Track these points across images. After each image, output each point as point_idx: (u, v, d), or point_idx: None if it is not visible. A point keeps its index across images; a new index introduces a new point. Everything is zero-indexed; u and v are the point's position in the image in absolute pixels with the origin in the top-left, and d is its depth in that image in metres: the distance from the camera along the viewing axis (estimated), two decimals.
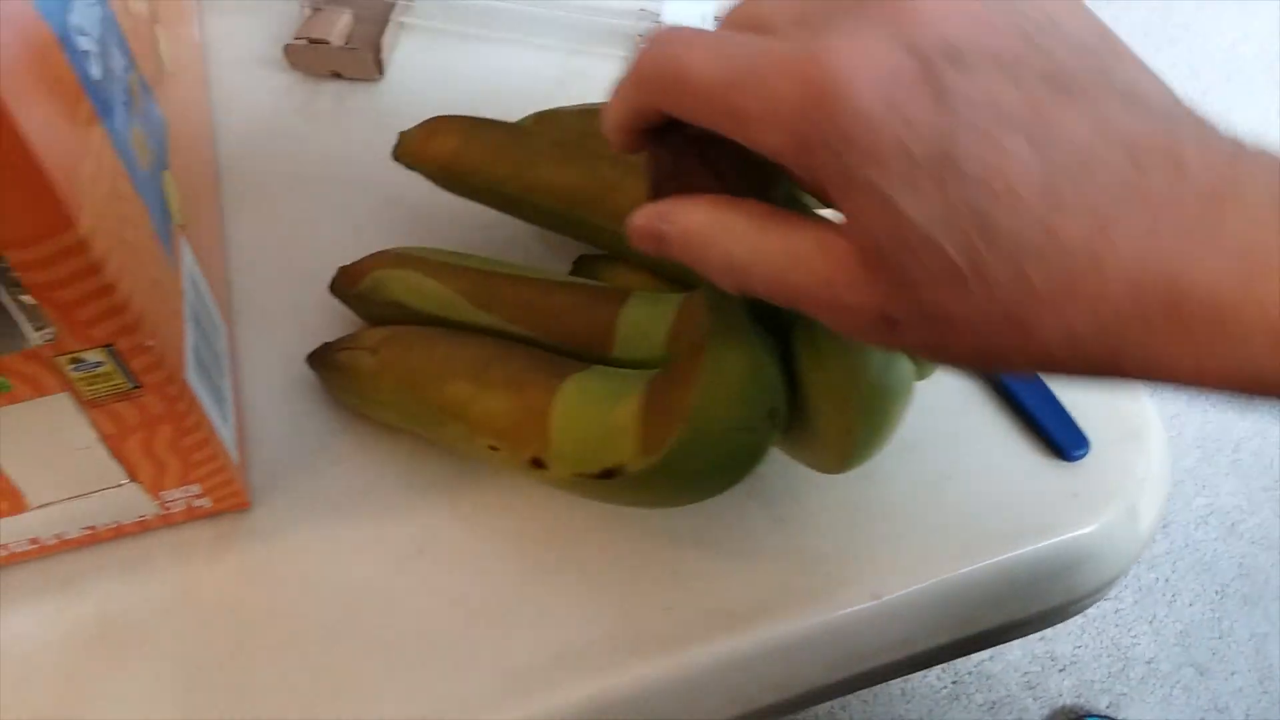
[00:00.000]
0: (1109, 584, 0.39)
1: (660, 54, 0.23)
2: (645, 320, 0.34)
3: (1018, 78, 0.19)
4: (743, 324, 0.30)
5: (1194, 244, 0.18)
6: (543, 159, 0.38)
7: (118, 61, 0.32)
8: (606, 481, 0.31)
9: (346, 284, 0.39)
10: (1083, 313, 0.19)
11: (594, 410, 0.32)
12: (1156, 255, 0.18)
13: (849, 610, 0.35)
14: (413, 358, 0.35)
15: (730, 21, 0.25)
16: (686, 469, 0.30)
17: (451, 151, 0.40)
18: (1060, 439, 0.39)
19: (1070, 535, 0.37)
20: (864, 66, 0.19)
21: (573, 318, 0.35)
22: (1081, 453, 0.39)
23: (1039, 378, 0.40)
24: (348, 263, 0.40)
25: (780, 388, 0.30)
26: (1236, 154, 0.19)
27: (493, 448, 0.33)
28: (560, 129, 0.41)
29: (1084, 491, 0.38)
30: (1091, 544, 0.38)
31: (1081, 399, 0.40)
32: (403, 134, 0.41)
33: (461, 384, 0.34)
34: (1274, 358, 0.17)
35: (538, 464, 0.32)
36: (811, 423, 0.31)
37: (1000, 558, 0.37)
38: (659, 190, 0.27)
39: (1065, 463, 0.39)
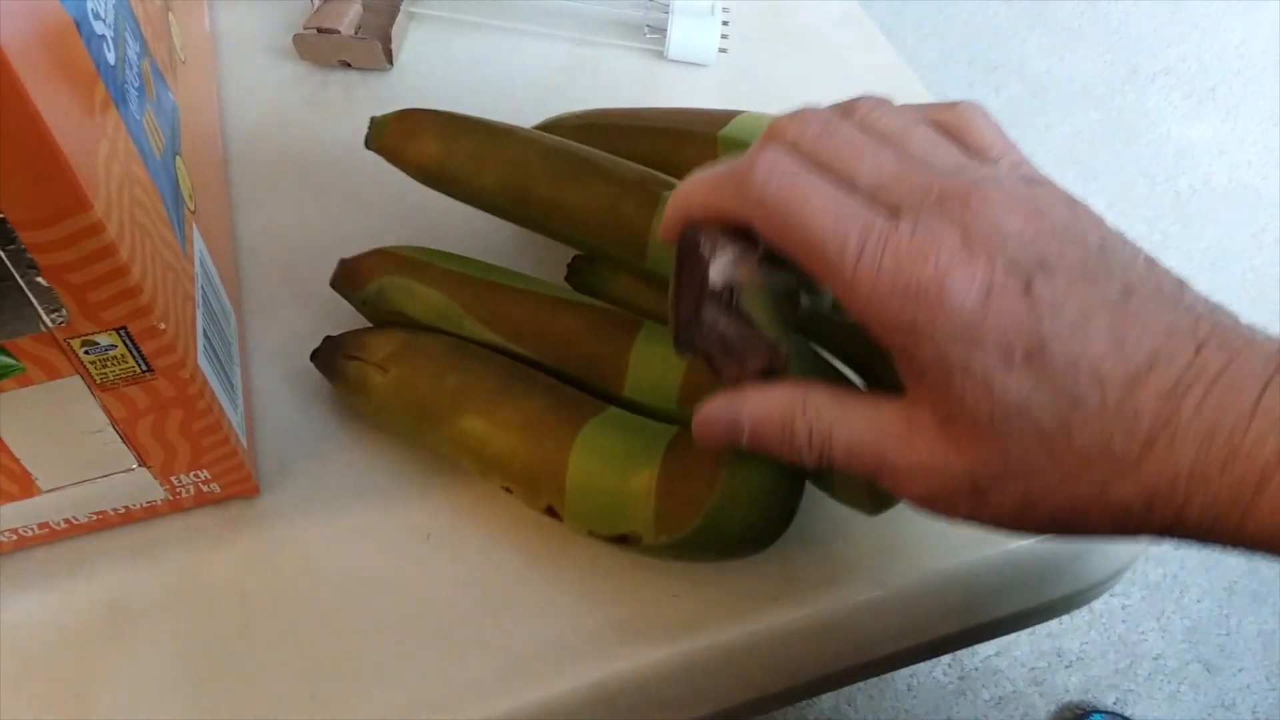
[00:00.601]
0: (1116, 574, 0.39)
1: (783, 188, 0.25)
2: (658, 361, 0.34)
3: (1093, 284, 0.23)
4: None
5: (1245, 412, 0.21)
6: (533, 171, 0.37)
7: (131, 47, 0.32)
8: (622, 543, 0.32)
9: (348, 285, 0.39)
10: (1157, 471, 0.22)
11: (611, 473, 0.32)
12: (1214, 420, 0.21)
13: (855, 599, 0.35)
14: (422, 384, 0.35)
15: (825, 161, 0.26)
16: (703, 551, 0.32)
17: (433, 158, 0.38)
18: None
19: None
20: (969, 271, 0.23)
21: (582, 345, 0.35)
22: None
23: None
24: (350, 255, 0.40)
25: (800, 492, 0.31)
26: (1273, 345, 0.23)
27: (507, 489, 0.34)
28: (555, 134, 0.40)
29: None
30: None
31: None
32: (375, 120, 0.40)
33: (474, 420, 0.34)
34: None
35: (552, 513, 0.33)
36: (846, 479, 0.32)
37: (1007, 547, 0.37)
38: (717, 365, 0.28)
39: None
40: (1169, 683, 1.04)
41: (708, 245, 0.27)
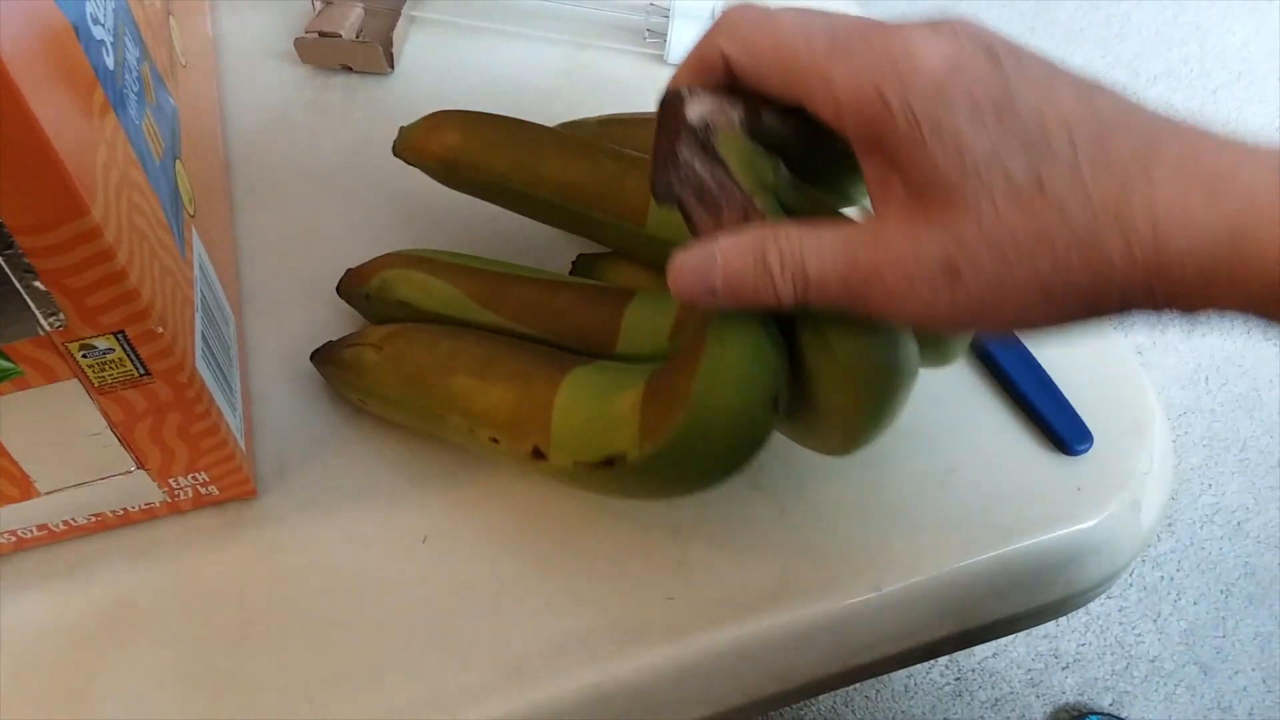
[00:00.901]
0: (1111, 579, 0.40)
1: (752, 14, 0.27)
2: (650, 316, 0.34)
3: (1057, 71, 0.24)
4: (745, 311, 0.30)
5: (1223, 157, 0.22)
6: (545, 152, 0.38)
7: (131, 52, 0.32)
8: (607, 471, 0.31)
9: (354, 284, 0.39)
10: (1139, 214, 0.22)
11: (596, 401, 0.32)
12: (1194, 164, 0.22)
13: (850, 602, 0.35)
14: (417, 352, 0.36)
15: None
16: (687, 456, 0.30)
17: (452, 146, 0.39)
18: (1063, 432, 0.39)
19: (1072, 529, 0.38)
20: (928, 46, 0.24)
21: (577, 316, 0.35)
22: (1085, 447, 0.39)
23: (1042, 370, 0.41)
24: (355, 261, 0.40)
25: (783, 372, 0.30)
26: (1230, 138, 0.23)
27: (494, 440, 0.34)
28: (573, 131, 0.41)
29: (1087, 485, 0.39)
30: (1094, 538, 0.38)
31: (1085, 392, 0.40)
32: (403, 129, 0.41)
33: (464, 378, 0.34)
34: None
35: (538, 454, 0.33)
36: (817, 406, 0.31)
37: (1002, 551, 0.37)
38: (693, 215, 0.28)
39: (1068, 456, 0.39)
40: (1165, 685, 1.04)
41: (687, 91, 0.28)
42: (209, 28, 0.51)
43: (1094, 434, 0.39)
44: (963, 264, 0.23)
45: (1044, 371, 0.41)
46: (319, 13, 0.51)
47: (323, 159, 0.48)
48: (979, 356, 0.42)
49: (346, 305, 0.41)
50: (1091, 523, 0.38)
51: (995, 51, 0.24)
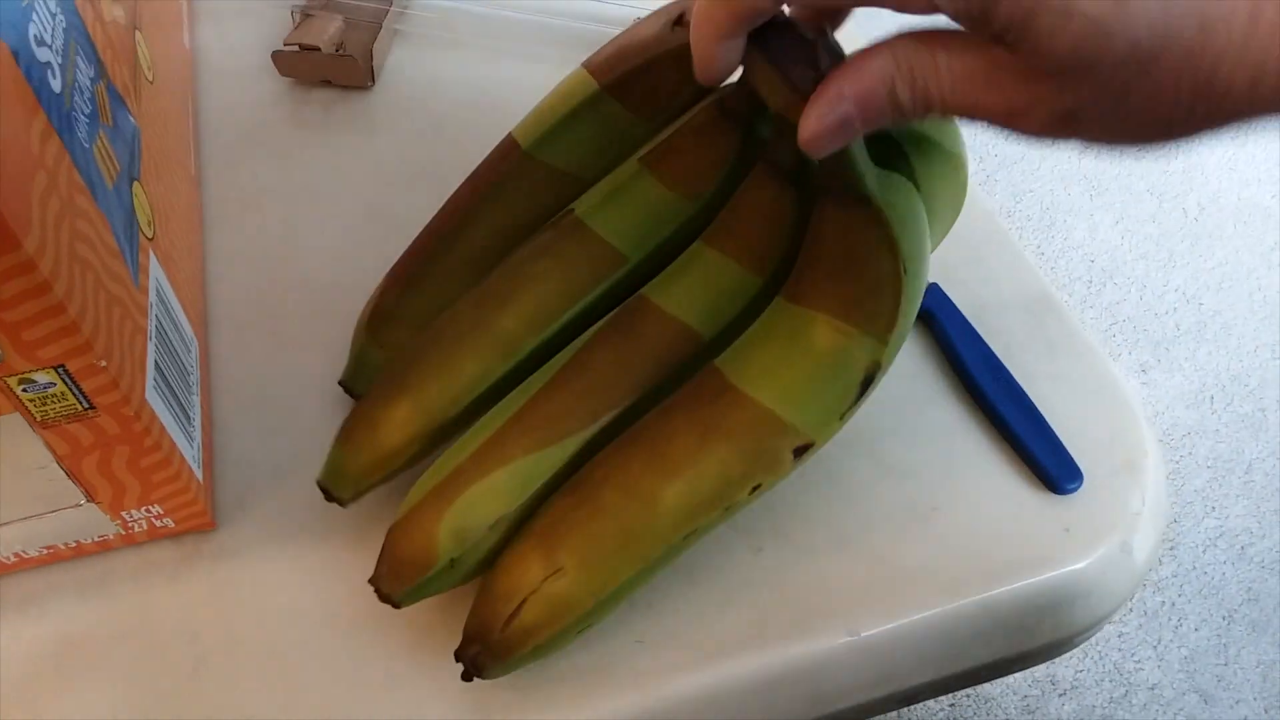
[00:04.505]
0: (1100, 622, 0.38)
1: None
2: (690, 294, 0.33)
3: None
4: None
5: None
6: (498, 312, 0.33)
7: (83, 72, 0.31)
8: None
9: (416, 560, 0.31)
10: (1264, 45, 0.21)
11: (793, 353, 0.31)
12: None
13: (827, 646, 0.34)
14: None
15: None
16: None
17: (410, 420, 0.32)
18: (1053, 471, 0.38)
19: (1061, 571, 0.36)
20: None
21: (652, 345, 0.32)
22: (1075, 485, 0.38)
23: (1031, 405, 0.39)
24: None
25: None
26: None
27: (756, 486, 0.31)
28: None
29: (1076, 526, 0.37)
30: (1083, 581, 0.37)
31: (1076, 429, 0.39)
32: (332, 459, 0.33)
33: (681, 491, 0.30)
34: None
35: (800, 451, 0.31)
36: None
37: (987, 594, 0.36)
38: (793, 76, 0.28)
39: (1057, 495, 0.38)
40: (1165, 713, 1.02)
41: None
42: (187, 41, 0.50)
43: (1084, 472, 0.38)
44: (1080, 116, 0.24)
45: (1033, 406, 0.39)
46: (298, 25, 0.50)
47: (300, 175, 0.47)
48: (965, 389, 0.41)
49: (316, 326, 0.40)
50: (1081, 565, 0.37)
51: None
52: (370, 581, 0.31)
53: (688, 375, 0.32)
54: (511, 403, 0.32)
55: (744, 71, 0.31)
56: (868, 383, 0.31)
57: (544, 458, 0.30)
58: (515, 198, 0.36)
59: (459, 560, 0.30)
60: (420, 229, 0.38)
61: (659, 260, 0.34)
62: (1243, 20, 0.22)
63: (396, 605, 0.31)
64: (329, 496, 0.34)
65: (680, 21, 0.33)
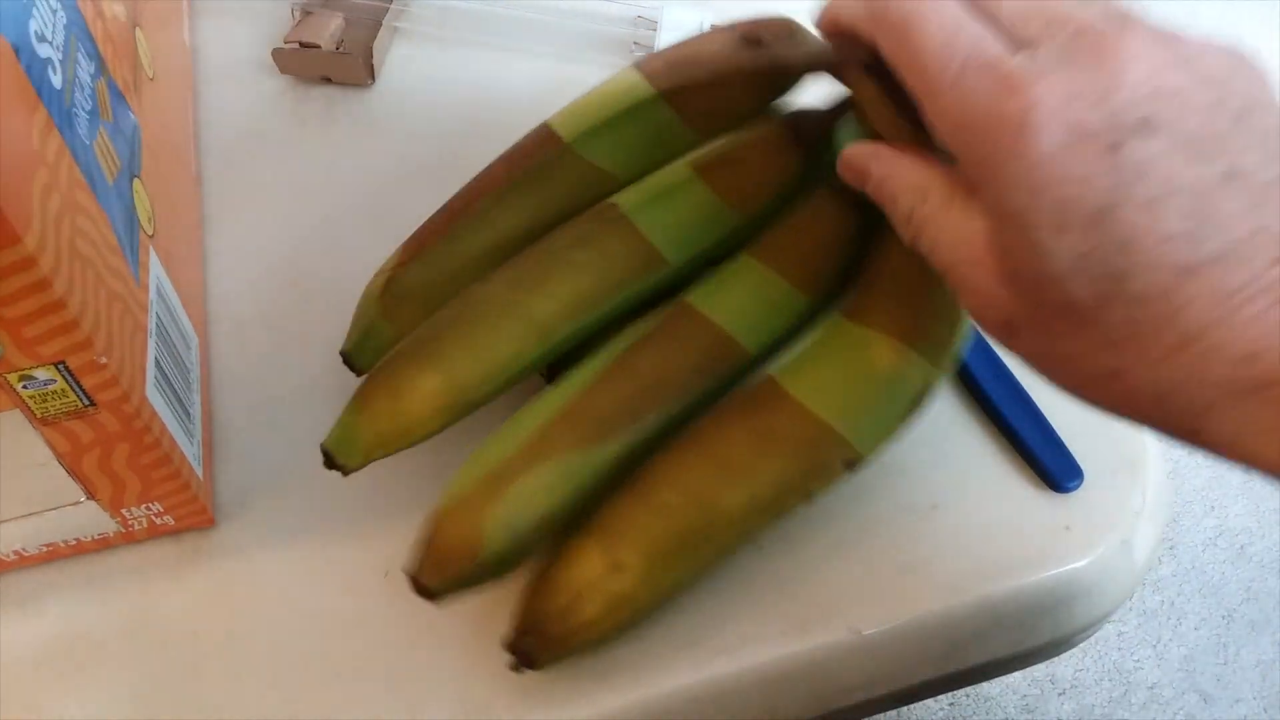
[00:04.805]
0: (1100, 621, 0.38)
1: (906, 4, 0.25)
2: (737, 303, 0.33)
3: (1198, 158, 0.21)
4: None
5: None
6: (536, 288, 0.33)
7: (84, 68, 0.31)
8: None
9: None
10: (1177, 377, 0.21)
11: (849, 361, 0.32)
12: (1265, 343, 0.20)
13: (827, 644, 0.34)
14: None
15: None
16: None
17: (438, 391, 0.32)
18: (1053, 469, 0.38)
19: (1061, 570, 0.36)
20: (1058, 112, 0.21)
21: (687, 357, 0.32)
22: (1075, 484, 0.38)
23: (1031, 403, 0.39)
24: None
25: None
26: None
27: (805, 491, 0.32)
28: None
29: (1077, 524, 0.37)
30: (1083, 579, 0.37)
31: (1076, 427, 0.39)
32: (342, 428, 0.32)
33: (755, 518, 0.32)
34: None
35: (850, 465, 0.32)
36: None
37: (987, 592, 0.35)
38: (871, 114, 0.30)
39: (1058, 494, 0.38)
40: (1164, 713, 1.02)
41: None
42: (187, 37, 0.50)
43: (1085, 470, 0.38)
44: (1020, 332, 0.24)
45: (1033, 404, 0.39)
46: (298, 22, 0.50)
47: (300, 172, 0.47)
48: (965, 386, 0.41)
49: (317, 325, 0.40)
50: (1081, 563, 0.36)
51: (1124, 137, 0.21)
52: (409, 573, 0.31)
53: (727, 386, 0.33)
54: (555, 397, 0.32)
55: (855, 86, 0.31)
56: (918, 405, 0.32)
57: (591, 456, 0.31)
58: (550, 188, 0.35)
59: (503, 554, 0.30)
60: (419, 221, 0.38)
61: (696, 267, 0.34)
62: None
63: (434, 598, 0.31)
64: (330, 464, 0.32)
65: (753, 41, 0.34)
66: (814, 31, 0.32)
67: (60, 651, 0.33)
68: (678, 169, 0.34)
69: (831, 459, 0.31)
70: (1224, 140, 0.21)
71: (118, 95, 0.34)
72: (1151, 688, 1.04)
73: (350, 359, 0.37)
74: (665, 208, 0.34)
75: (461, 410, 0.32)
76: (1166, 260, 0.20)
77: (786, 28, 0.35)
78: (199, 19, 0.52)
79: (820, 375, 0.32)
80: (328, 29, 0.49)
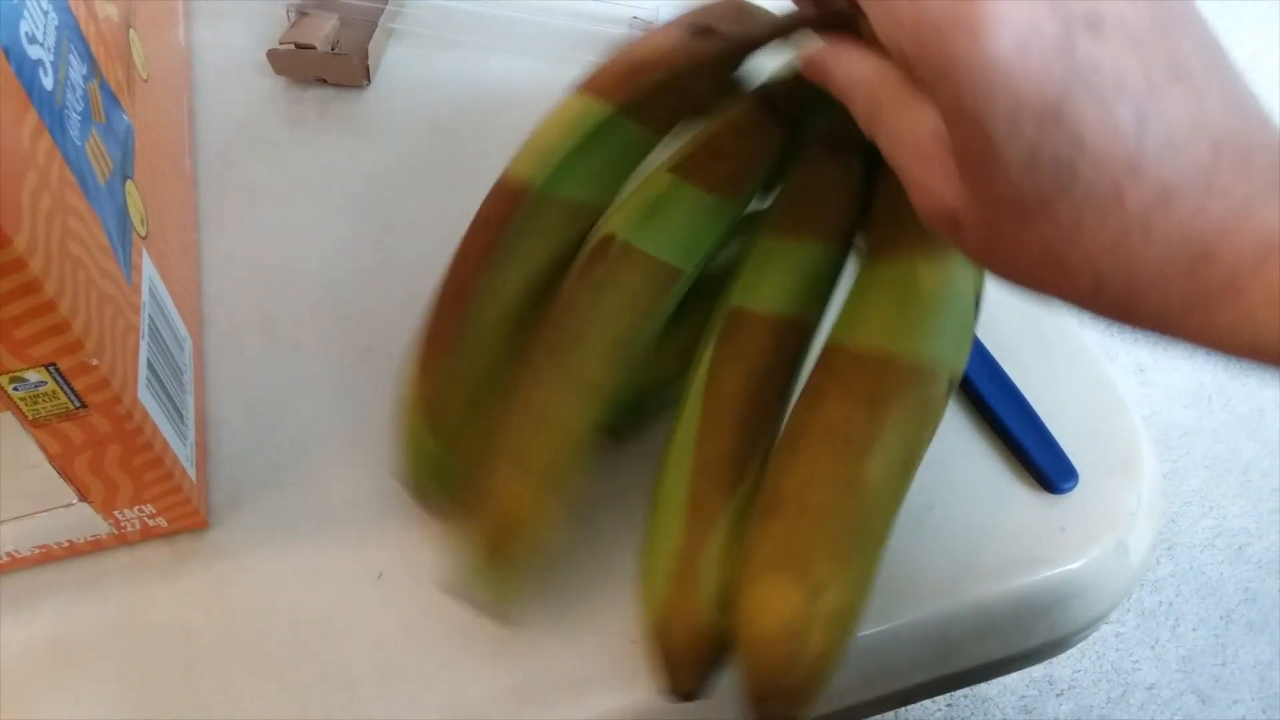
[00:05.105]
0: (1096, 622, 0.38)
1: None
2: (789, 280, 0.33)
3: (1145, 58, 0.21)
4: None
5: (1232, 225, 0.21)
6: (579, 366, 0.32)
7: (76, 69, 0.31)
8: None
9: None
10: (1117, 265, 0.22)
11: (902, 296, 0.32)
12: (1198, 229, 0.21)
13: None
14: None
15: None
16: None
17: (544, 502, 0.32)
18: (1048, 470, 0.38)
19: (1056, 571, 0.36)
20: (1014, 13, 0.21)
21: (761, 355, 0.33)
22: (1070, 485, 0.38)
23: (1026, 403, 0.39)
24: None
25: None
26: None
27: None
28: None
29: (1072, 525, 0.37)
30: (1079, 580, 0.36)
31: (1071, 428, 0.39)
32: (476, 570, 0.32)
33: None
34: (1273, 329, 0.20)
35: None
36: None
37: (981, 594, 0.35)
38: (827, 25, 0.30)
39: (1052, 494, 0.38)
40: (1162, 713, 1.02)
41: None
42: (182, 38, 0.50)
43: (1080, 471, 0.38)
44: (967, 227, 0.24)
45: (1028, 404, 0.39)
46: (293, 24, 0.50)
47: (295, 174, 0.47)
48: (960, 388, 0.40)
49: (312, 328, 0.40)
50: (1076, 565, 0.36)
51: (1077, 35, 0.21)
52: (672, 692, 0.31)
53: (801, 361, 0.33)
54: (677, 463, 0.32)
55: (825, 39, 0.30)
56: (978, 304, 0.32)
57: (737, 502, 0.31)
58: (535, 242, 0.34)
59: (722, 626, 0.30)
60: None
61: (709, 264, 0.34)
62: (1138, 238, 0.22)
63: (696, 695, 0.31)
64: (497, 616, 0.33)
65: (704, 31, 0.33)
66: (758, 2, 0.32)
67: (53, 653, 0.33)
68: (659, 178, 0.34)
69: (934, 387, 0.31)
70: (1168, 39, 0.22)
71: (110, 96, 0.34)
72: (1149, 688, 1.04)
73: (416, 488, 0.35)
74: (662, 221, 0.33)
75: (558, 493, 0.32)
76: (1116, 155, 0.21)
77: (733, 7, 0.34)
78: (194, 20, 0.52)
79: (882, 318, 0.31)
80: (323, 30, 0.49)
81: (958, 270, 0.32)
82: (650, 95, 0.34)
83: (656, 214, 0.33)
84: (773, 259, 0.33)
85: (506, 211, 0.34)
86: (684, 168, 0.33)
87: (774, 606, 0.29)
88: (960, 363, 0.32)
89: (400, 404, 0.34)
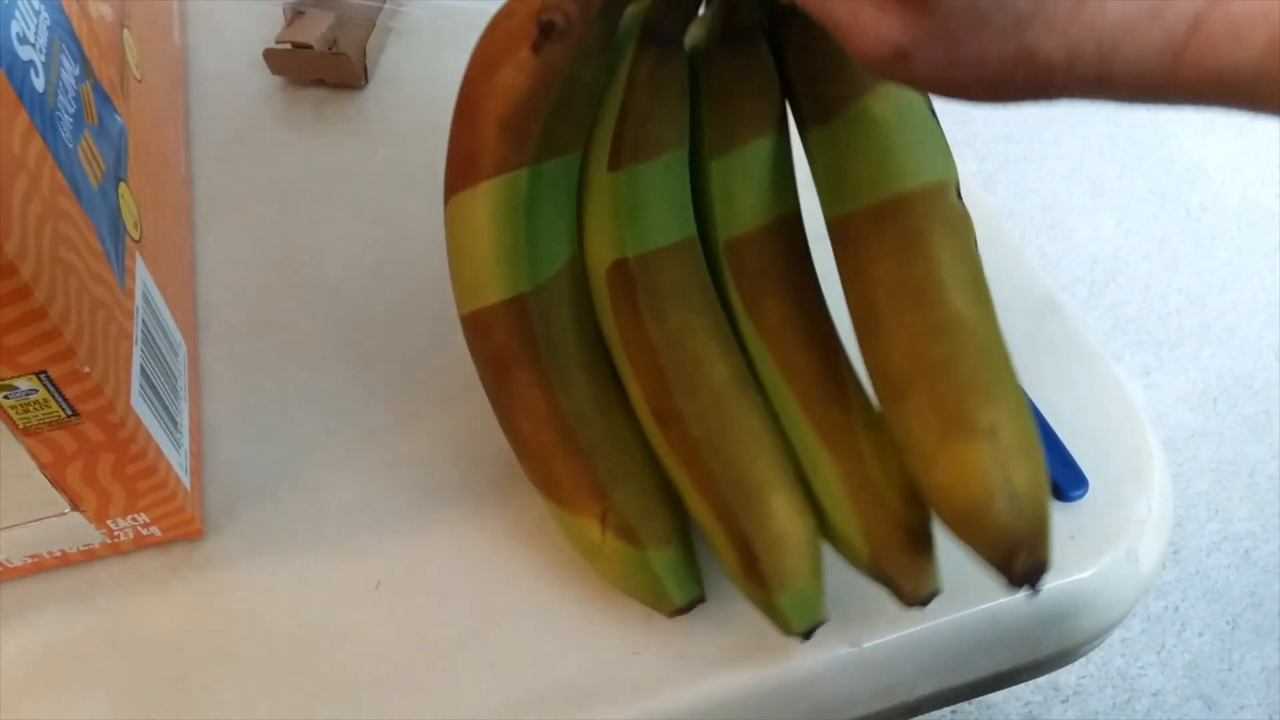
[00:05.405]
0: (1106, 632, 0.38)
1: None
2: (755, 191, 0.32)
3: None
4: None
5: None
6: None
7: (68, 71, 0.30)
8: None
9: None
10: (1084, 31, 0.22)
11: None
12: None
13: (827, 658, 0.33)
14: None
15: None
16: None
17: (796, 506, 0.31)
18: (1057, 477, 0.37)
19: (1066, 580, 0.36)
20: None
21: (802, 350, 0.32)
22: (1080, 493, 0.37)
23: (1035, 410, 0.39)
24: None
25: None
26: None
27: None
28: None
29: (1081, 534, 0.37)
30: (1088, 589, 0.36)
31: (1081, 434, 0.38)
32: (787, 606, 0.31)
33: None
34: (1240, 61, 0.21)
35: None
36: None
37: (990, 604, 0.35)
38: None
39: (1062, 503, 0.37)
40: (1168, 719, 1.02)
41: None
42: (176, 38, 0.49)
43: (1089, 479, 0.37)
44: (915, 53, 0.24)
45: (1037, 410, 0.39)
46: (290, 23, 0.49)
47: (292, 175, 0.46)
48: None
49: (308, 328, 0.39)
50: (1086, 574, 0.36)
51: None
52: (915, 601, 0.31)
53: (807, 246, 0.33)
54: (780, 405, 0.32)
55: None
56: (933, 111, 0.31)
57: (859, 407, 0.31)
58: (564, 331, 0.32)
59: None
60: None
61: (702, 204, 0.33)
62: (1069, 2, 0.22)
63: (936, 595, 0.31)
64: (811, 631, 0.32)
65: (547, 30, 0.29)
66: None
67: (45, 665, 0.32)
68: (608, 181, 0.31)
69: (947, 199, 0.30)
70: None
71: (104, 98, 0.33)
72: (1155, 694, 1.03)
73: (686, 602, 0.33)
74: (647, 217, 0.32)
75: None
76: None
77: None
78: (190, 20, 0.52)
79: (868, 169, 0.31)
80: (320, 29, 0.49)
81: (904, 92, 0.31)
82: (544, 131, 0.30)
83: (636, 215, 0.32)
84: (732, 177, 0.32)
85: (523, 328, 0.31)
86: (621, 156, 0.31)
87: (965, 473, 0.28)
88: (953, 169, 0.31)
89: (609, 560, 0.32)
